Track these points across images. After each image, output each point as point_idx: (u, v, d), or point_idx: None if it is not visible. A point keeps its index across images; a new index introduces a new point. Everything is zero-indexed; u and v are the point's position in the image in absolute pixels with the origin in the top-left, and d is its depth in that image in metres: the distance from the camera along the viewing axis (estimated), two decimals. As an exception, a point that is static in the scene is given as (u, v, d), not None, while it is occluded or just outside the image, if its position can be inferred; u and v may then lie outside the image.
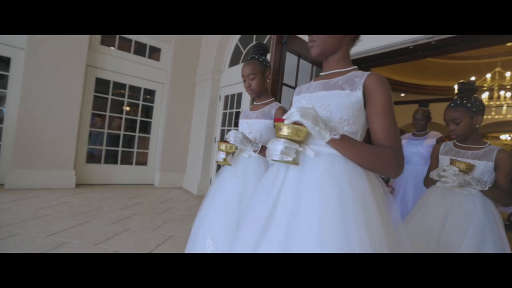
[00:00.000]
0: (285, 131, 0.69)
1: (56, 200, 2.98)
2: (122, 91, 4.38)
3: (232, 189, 1.24)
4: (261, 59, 1.34)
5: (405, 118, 2.23)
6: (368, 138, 0.81)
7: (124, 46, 4.35)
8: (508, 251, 1.16)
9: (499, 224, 1.20)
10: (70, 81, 3.66)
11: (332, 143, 0.69)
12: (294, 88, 2.07)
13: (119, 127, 4.39)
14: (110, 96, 4.23)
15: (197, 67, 4.82)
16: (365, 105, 0.75)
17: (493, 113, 4.54)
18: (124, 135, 4.42)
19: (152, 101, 4.69)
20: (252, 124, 1.35)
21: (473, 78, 4.04)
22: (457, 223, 1.20)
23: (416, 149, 2.21)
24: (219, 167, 4.27)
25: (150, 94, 4.67)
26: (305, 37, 2.20)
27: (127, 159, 4.54)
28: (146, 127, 4.71)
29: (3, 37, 3.31)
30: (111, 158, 4.39)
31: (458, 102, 1.29)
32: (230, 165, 1.28)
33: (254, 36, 3.85)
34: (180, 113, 4.72)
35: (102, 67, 4.10)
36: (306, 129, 0.69)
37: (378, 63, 2.24)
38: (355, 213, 0.63)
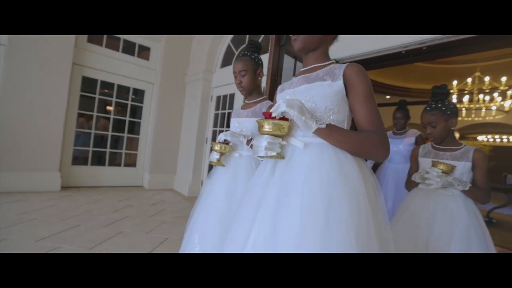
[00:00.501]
0: (266, 127, 0.71)
1: (42, 203, 2.86)
2: (106, 90, 4.26)
3: (223, 189, 1.24)
4: (253, 56, 1.32)
5: (391, 119, 2.33)
6: (353, 126, 0.84)
7: (112, 44, 4.24)
8: (492, 247, 1.20)
9: (481, 222, 1.25)
10: (55, 79, 3.52)
11: (318, 132, 0.71)
12: (290, 90, 2.10)
13: (104, 127, 4.26)
14: (97, 96, 4.10)
15: (188, 67, 4.76)
16: (347, 94, 0.78)
17: (473, 116, 4.78)
18: (112, 136, 4.30)
19: (140, 101, 4.59)
20: (243, 123, 1.34)
21: (455, 82, 4.24)
22: (444, 225, 1.23)
23: (396, 148, 2.26)
24: (210, 168, 4.24)
25: (137, 94, 4.56)
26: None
27: (115, 161, 4.42)
28: (133, 128, 4.60)
29: (-18, 33, 3.15)
30: (99, 160, 4.25)
31: (433, 106, 1.33)
32: (223, 165, 1.28)
33: (247, 36, 3.85)
34: (170, 113, 4.65)
35: (89, 66, 3.97)
36: (287, 123, 0.71)
37: (371, 66, 2.31)
38: (340, 197, 0.65)
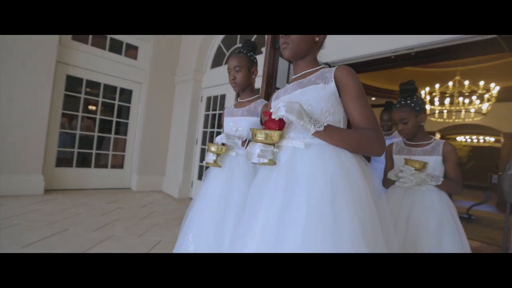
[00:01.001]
0: (259, 136, 0.76)
1: (25, 207, 2.74)
2: (92, 89, 4.14)
3: (219, 189, 1.23)
4: (248, 54, 1.33)
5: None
6: (349, 125, 0.87)
7: (98, 43, 4.12)
8: (464, 238, 1.26)
9: (453, 214, 1.29)
10: (38, 78, 3.38)
11: (317, 134, 0.74)
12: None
13: (88, 127, 4.13)
14: (82, 95, 3.97)
15: (177, 67, 4.70)
16: (340, 96, 0.81)
17: (453, 117, 5.02)
18: (98, 136, 4.18)
19: (128, 101, 4.49)
20: (239, 122, 1.32)
21: (437, 86, 4.43)
22: (420, 220, 1.27)
23: None
24: (201, 169, 4.21)
25: (124, 94, 4.45)
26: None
27: (101, 162, 4.29)
28: (120, 128, 4.49)
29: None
30: (84, 161, 4.12)
31: (403, 102, 1.35)
32: (220, 166, 1.27)
33: (238, 37, 3.86)
34: (159, 114, 4.58)
35: (74, 64, 3.85)
36: (277, 133, 0.76)
37: (361, 69, 2.38)
38: (345, 194, 0.68)
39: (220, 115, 3.95)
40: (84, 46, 3.94)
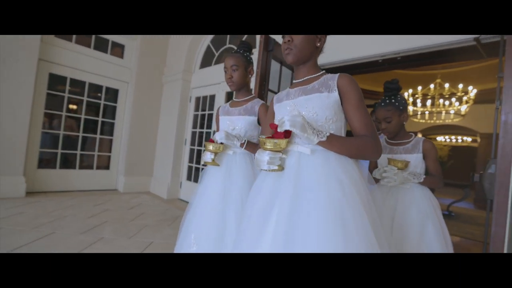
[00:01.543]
0: (268, 145, 0.81)
1: (7, 211, 2.62)
2: (77, 88, 4.02)
3: (217, 188, 1.24)
4: (245, 54, 1.35)
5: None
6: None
7: (83, 41, 4.00)
8: (446, 232, 1.33)
9: (436, 208, 1.35)
10: (19, 76, 3.24)
11: (320, 144, 0.80)
12: (276, 93, 2.16)
13: (71, 127, 4.00)
14: (66, 95, 3.85)
15: (165, 67, 4.64)
16: (341, 103, 0.86)
17: (434, 118, 5.24)
18: (83, 137, 4.06)
19: (114, 101, 4.38)
20: (236, 121, 1.33)
21: (420, 88, 4.62)
22: (405, 216, 1.33)
23: None
24: (190, 170, 4.18)
25: (110, 93, 4.35)
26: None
27: (86, 163, 4.17)
28: (106, 128, 4.38)
29: None
30: (68, 163, 3.99)
31: (387, 101, 1.38)
32: (218, 165, 1.28)
33: (228, 37, 3.86)
34: (146, 113, 4.50)
35: (57, 62, 3.72)
36: (285, 141, 0.80)
37: (352, 72, 2.46)
38: (352, 195, 0.74)
39: (210, 116, 3.94)
40: (68, 44, 3.82)
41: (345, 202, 0.72)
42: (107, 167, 4.36)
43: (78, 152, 4.00)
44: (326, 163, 0.79)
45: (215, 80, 3.81)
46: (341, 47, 2.19)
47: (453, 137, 7.77)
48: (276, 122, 0.95)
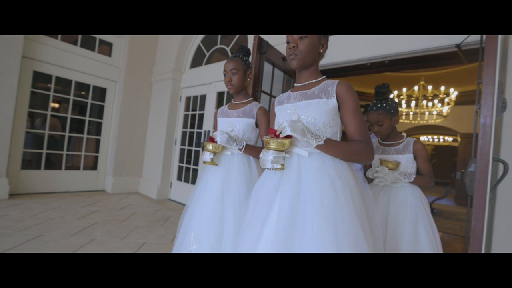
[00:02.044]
0: (272, 145, 0.84)
1: (-10, 213, 2.54)
2: (62, 87, 3.92)
3: (216, 187, 1.27)
4: (244, 59, 1.40)
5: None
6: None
7: (69, 38, 3.90)
8: (434, 227, 1.40)
9: (425, 205, 1.42)
10: (2, 74, 3.13)
11: (318, 147, 0.85)
12: (268, 94, 2.20)
13: (58, 127, 3.89)
14: (52, 93, 3.74)
15: (154, 66, 4.59)
16: (339, 109, 0.92)
17: (418, 119, 5.45)
18: (70, 137, 3.96)
19: (102, 100, 4.29)
20: (234, 123, 1.37)
21: (405, 89, 4.79)
22: (397, 215, 1.39)
23: None
24: (180, 170, 4.16)
25: (96, 92, 4.26)
26: (279, 48, 2.33)
27: (73, 164, 4.07)
28: (93, 128, 4.29)
29: None
30: (54, 163, 3.88)
31: (379, 105, 1.44)
32: (217, 165, 1.30)
33: (219, 37, 3.86)
34: (135, 113, 4.43)
35: (42, 60, 3.61)
36: (288, 140, 0.84)
37: (342, 74, 2.55)
38: (345, 199, 0.79)
39: (201, 116, 3.93)
40: (53, 41, 3.72)
41: (337, 204, 0.77)
42: (94, 167, 4.27)
43: (64, 152, 3.90)
44: (322, 165, 0.85)
45: (206, 80, 3.81)
46: (332, 50, 2.25)
47: (435, 137, 8.09)
48: (276, 124, 1.00)
